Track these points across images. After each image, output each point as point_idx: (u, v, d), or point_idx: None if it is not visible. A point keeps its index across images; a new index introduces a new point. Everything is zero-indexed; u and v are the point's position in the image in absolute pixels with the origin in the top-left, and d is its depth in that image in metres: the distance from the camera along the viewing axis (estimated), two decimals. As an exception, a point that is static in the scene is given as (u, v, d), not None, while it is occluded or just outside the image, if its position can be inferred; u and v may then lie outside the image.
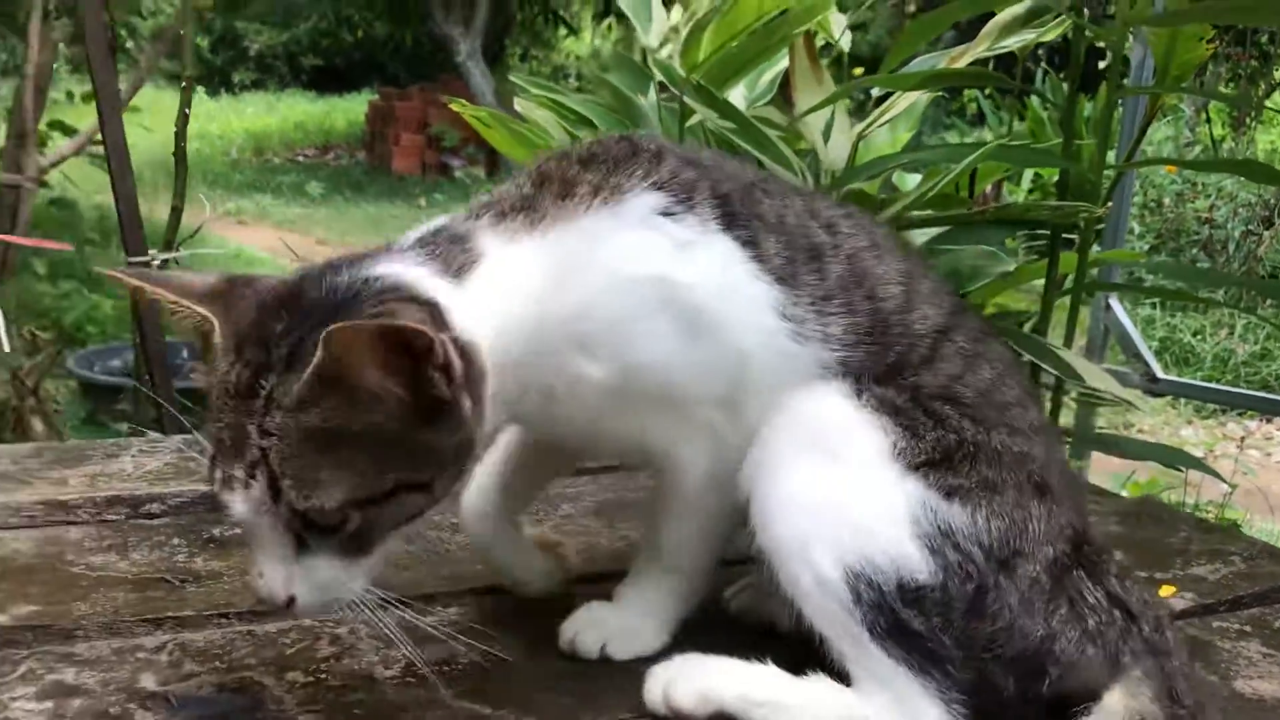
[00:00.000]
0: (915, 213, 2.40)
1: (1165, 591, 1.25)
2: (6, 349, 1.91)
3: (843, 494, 0.93)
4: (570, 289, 0.95)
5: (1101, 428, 4.09)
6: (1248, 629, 1.18)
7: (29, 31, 3.25)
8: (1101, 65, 3.76)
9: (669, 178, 0.99)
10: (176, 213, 1.80)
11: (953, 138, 8.45)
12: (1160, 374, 3.17)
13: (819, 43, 2.68)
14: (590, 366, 0.96)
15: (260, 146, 12.85)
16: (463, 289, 0.93)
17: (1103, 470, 3.34)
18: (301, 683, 1.01)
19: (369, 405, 0.82)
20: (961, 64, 2.41)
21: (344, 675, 1.03)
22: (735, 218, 1.00)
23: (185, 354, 3.58)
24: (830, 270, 1.02)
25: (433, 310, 0.88)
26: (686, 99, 2.31)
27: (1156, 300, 5.96)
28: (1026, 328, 2.39)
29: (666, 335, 0.96)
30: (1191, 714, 0.90)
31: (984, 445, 0.96)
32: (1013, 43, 2.38)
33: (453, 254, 0.95)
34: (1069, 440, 2.49)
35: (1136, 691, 0.90)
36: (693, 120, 2.48)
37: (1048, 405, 2.35)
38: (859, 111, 2.72)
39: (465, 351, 0.87)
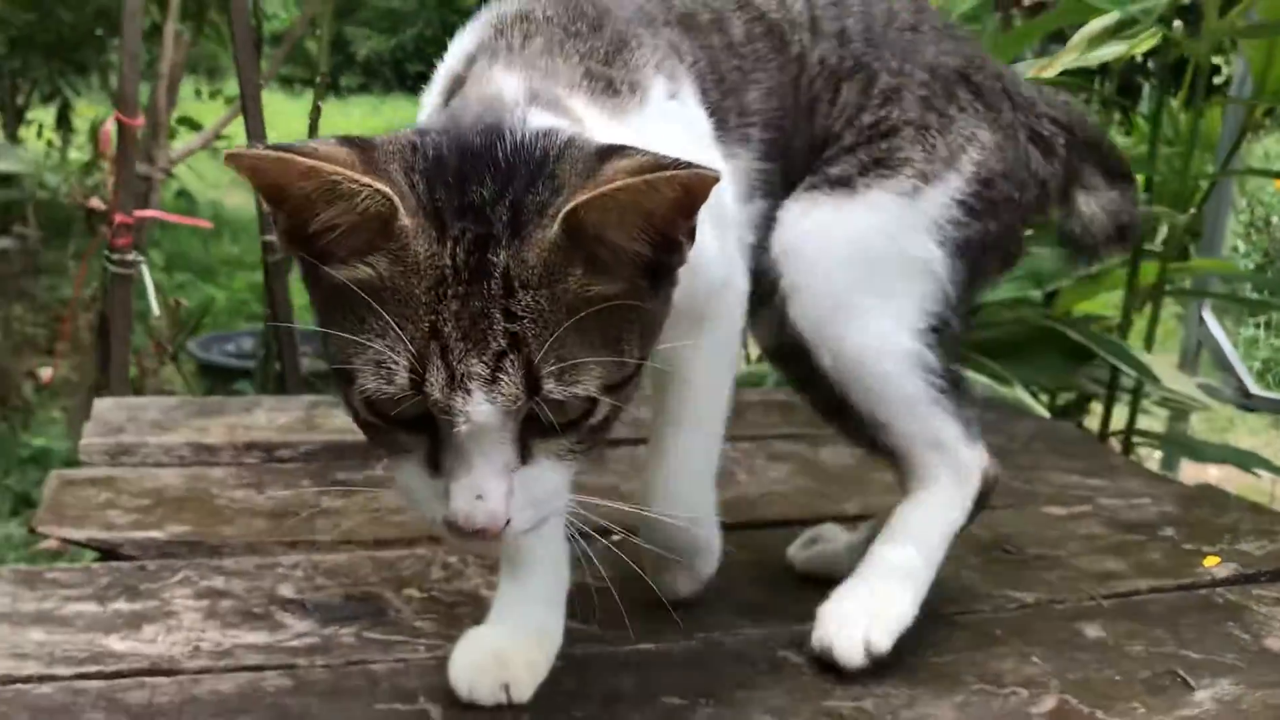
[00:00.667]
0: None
1: (1210, 561, 1.33)
2: (156, 313, 2.09)
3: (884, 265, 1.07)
4: None
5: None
6: (1287, 597, 1.26)
7: (164, 33, 3.47)
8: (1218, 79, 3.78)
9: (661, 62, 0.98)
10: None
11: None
12: (1254, 389, 3.18)
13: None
14: None
15: (366, 148, 13.22)
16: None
17: (1195, 480, 3.35)
18: (417, 597, 1.15)
19: (616, 270, 0.76)
20: (1049, 73, 2.48)
21: (453, 594, 1.16)
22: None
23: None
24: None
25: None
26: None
27: (1262, 320, 5.89)
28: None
29: None
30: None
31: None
32: (1102, 54, 2.44)
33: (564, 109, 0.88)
34: (1152, 442, 2.54)
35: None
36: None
37: (1127, 409, 2.41)
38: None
39: None
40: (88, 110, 7.02)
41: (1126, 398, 2.42)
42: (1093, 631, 1.16)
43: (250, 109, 1.93)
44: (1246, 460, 2.41)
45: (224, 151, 0.72)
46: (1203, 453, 2.43)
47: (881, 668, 1.05)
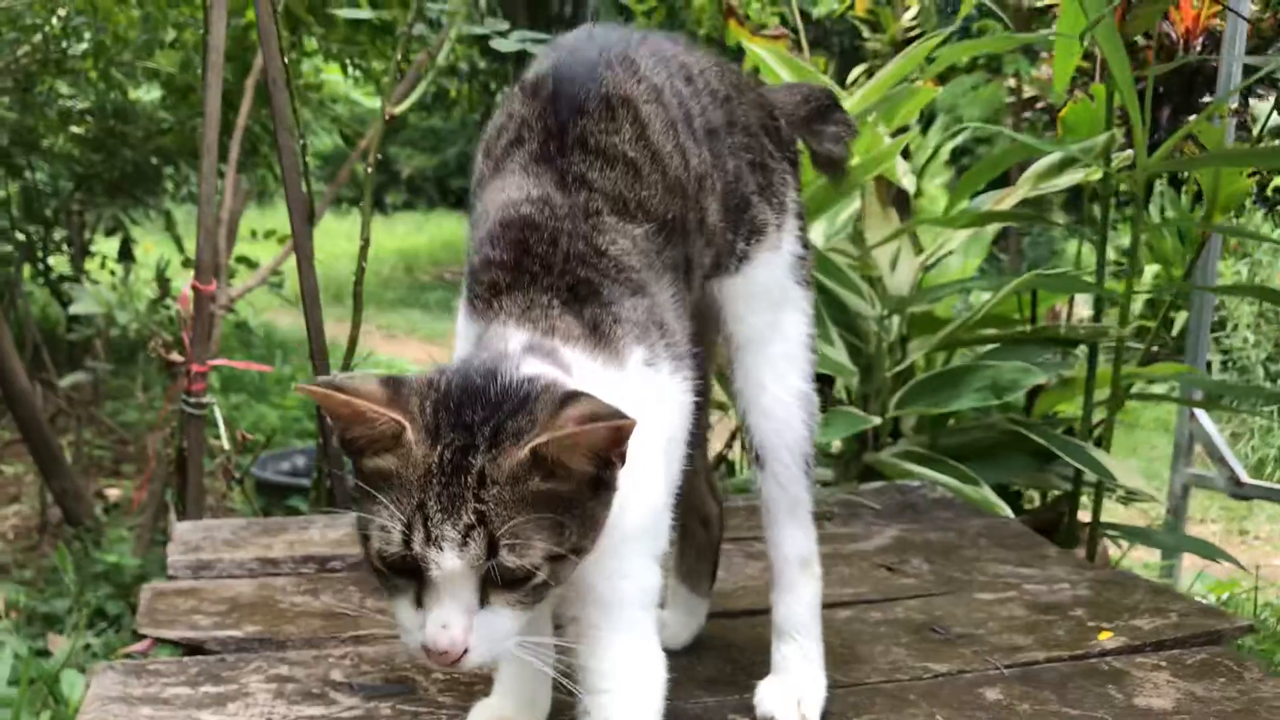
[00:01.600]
0: (980, 331, 2.75)
1: (1104, 635, 1.58)
2: (227, 446, 2.42)
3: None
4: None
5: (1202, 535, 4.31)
6: (1163, 664, 1.51)
7: (226, 179, 3.87)
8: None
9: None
10: (353, 342, 2.26)
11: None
12: (1245, 479, 3.40)
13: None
14: None
15: (410, 264, 13.73)
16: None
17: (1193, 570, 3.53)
18: (441, 679, 1.43)
19: (566, 478, 1.00)
20: (1007, 204, 2.79)
21: (470, 676, 1.44)
22: None
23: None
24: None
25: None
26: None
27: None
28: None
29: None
30: None
31: None
32: (1048, 188, 2.75)
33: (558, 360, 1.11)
34: (1114, 535, 2.77)
35: None
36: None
37: (1091, 504, 2.66)
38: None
39: None
40: (148, 241, 7.52)
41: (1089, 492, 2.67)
42: (992, 695, 1.43)
43: (303, 265, 2.27)
44: (1202, 550, 2.64)
45: (295, 386, 1.08)
46: (1160, 542, 2.66)
47: (811, 726, 1.32)
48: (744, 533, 2.01)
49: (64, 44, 5.64)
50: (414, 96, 2.31)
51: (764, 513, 1.44)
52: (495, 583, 0.99)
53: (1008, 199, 2.79)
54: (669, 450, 1.19)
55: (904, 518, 2.12)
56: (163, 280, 4.55)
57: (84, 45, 5.61)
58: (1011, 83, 4.42)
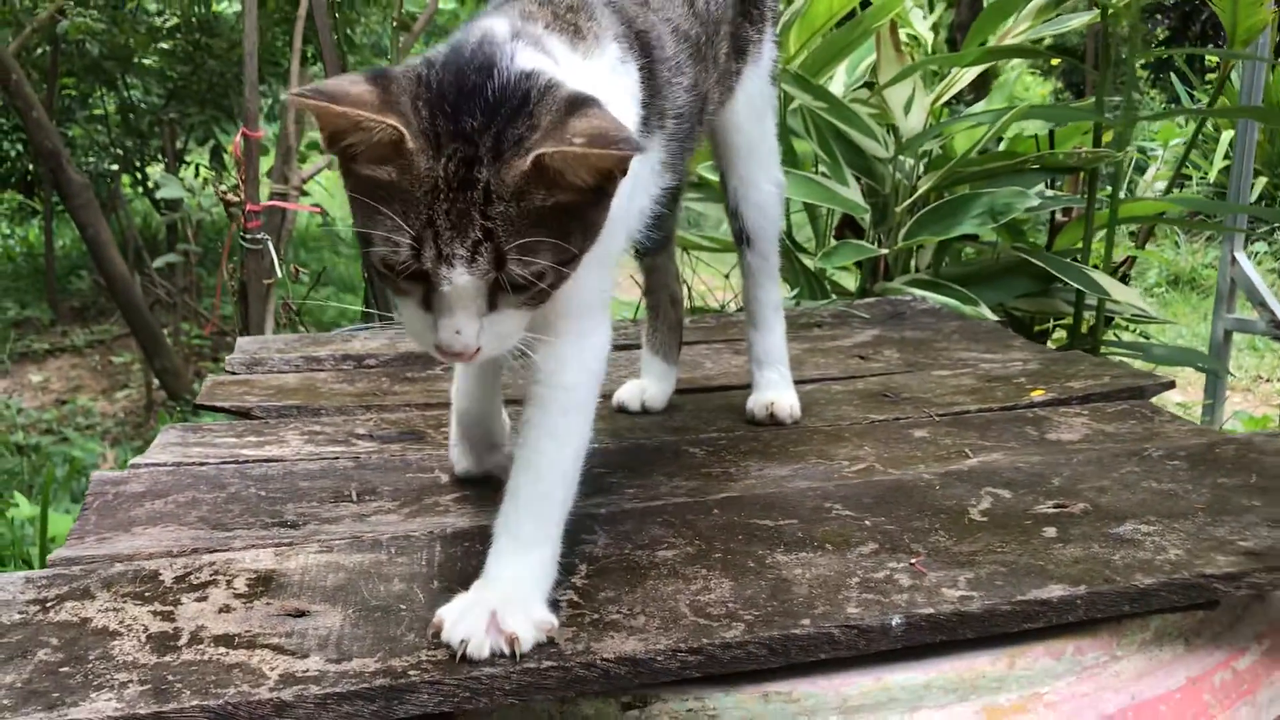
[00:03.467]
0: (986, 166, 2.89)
1: (1035, 393, 1.77)
2: (279, 275, 2.70)
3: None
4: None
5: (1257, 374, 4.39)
6: (1084, 413, 1.70)
7: (290, 74, 4.13)
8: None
9: (616, 29, 1.22)
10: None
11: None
12: (1287, 320, 3.49)
13: (904, 35, 3.23)
14: None
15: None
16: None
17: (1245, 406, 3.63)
18: (445, 430, 1.68)
19: (570, 189, 1.00)
20: (1008, 42, 2.91)
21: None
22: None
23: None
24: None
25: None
26: (786, 87, 2.87)
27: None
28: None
29: (629, 178, 1.10)
30: None
31: None
32: (1052, 28, 2.86)
33: (576, 38, 1.15)
34: (1113, 349, 2.91)
35: None
36: (794, 105, 3.06)
37: (1089, 323, 2.81)
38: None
39: None
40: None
41: (1089, 315, 2.82)
42: (919, 434, 1.63)
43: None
44: (1192, 359, 2.78)
45: (288, 97, 1.13)
46: (1155, 356, 2.81)
47: (750, 453, 1.55)
48: (729, 337, 2.23)
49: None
50: None
51: (746, 277, 1.75)
52: (504, 288, 1.02)
53: (1008, 38, 2.91)
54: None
55: (888, 324, 2.31)
56: (239, 165, 4.87)
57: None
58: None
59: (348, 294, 6.58)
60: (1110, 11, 2.64)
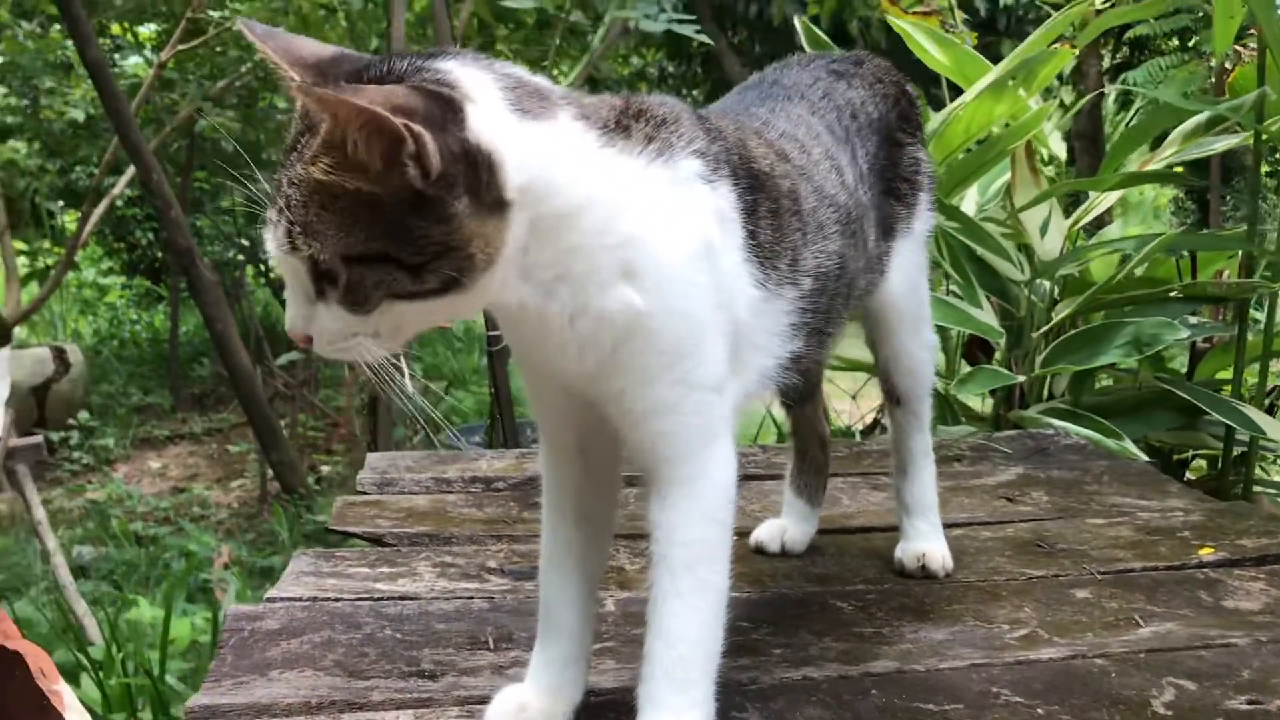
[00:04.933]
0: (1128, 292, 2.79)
1: (1205, 551, 1.66)
2: (410, 391, 2.70)
3: None
4: (621, 216, 1.03)
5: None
6: (1260, 575, 1.58)
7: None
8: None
9: (704, 148, 1.11)
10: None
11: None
12: None
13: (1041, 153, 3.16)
14: (631, 293, 1.03)
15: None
16: (517, 122, 0.99)
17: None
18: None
19: (358, 170, 0.93)
20: (1151, 167, 2.82)
21: (606, 567, 1.64)
22: (747, 192, 1.15)
23: (529, 432, 4.40)
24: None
25: (446, 106, 0.95)
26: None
27: None
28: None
29: (709, 303, 1.07)
30: None
31: None
32: (1199, 150, 2.77)
33: (527, 96, 1.01)
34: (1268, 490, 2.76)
35: None
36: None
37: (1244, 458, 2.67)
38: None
39: (471, 157, 0.95)
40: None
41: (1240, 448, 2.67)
42: (1081, 594, 1.53)
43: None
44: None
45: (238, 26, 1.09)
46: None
47: (902, 611, 1.47)
48: (864, 469, 2.15)
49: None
50: (580, 65, 2.52)
51: (896, 428, 1.65)
52: (323, 276, 0.97)
53: (1151, 161, 2.82)
54: (714, 264, 1.09)
55: (1032, 460, 2.21)
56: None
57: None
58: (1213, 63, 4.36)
59: (460, 389, 6.64)
60: (1265, 137, 2.55)
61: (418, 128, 0.92)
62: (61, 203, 7.62)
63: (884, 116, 1.51)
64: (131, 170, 5.60)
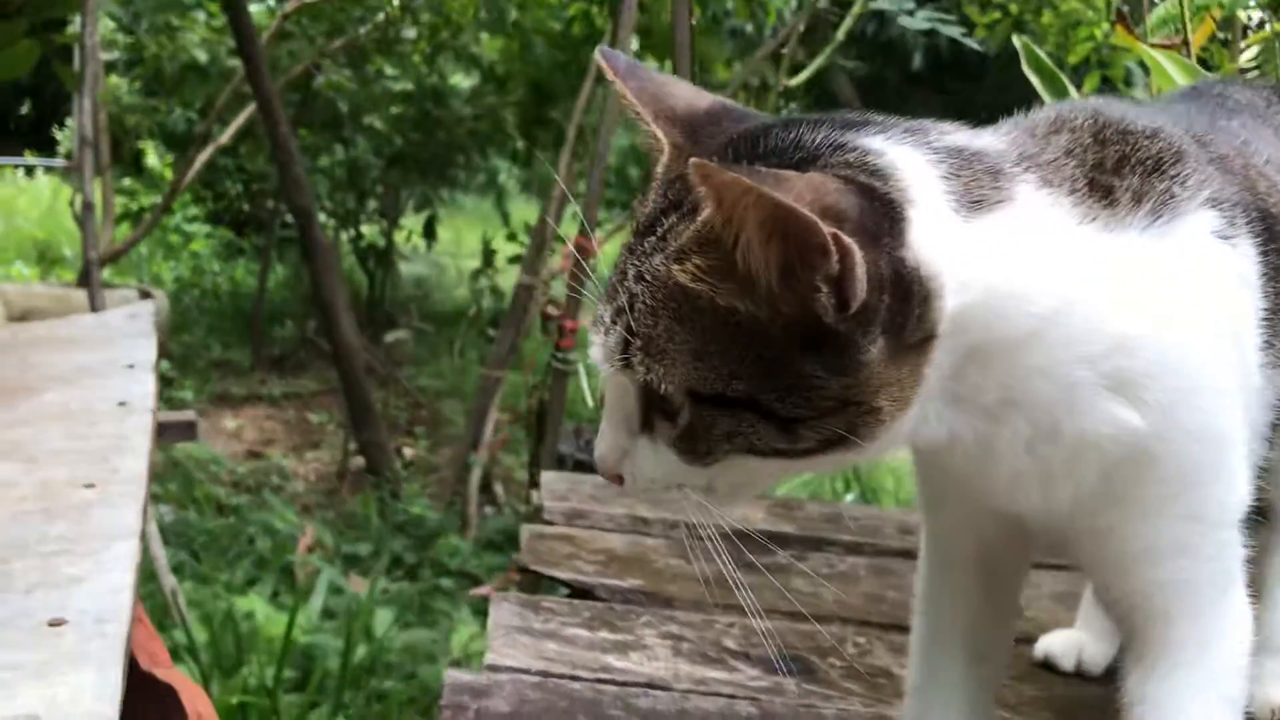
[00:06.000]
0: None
1: None
2: (590, 403, 2.45)
3: None
4: (1109, 316, 0.77)
5: None
6: None
7: (559, 162, 3.96)
8: None
9: (1218, 191, 0.83)
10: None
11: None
12: None
13: None
14: (1126, 411, 0.77)
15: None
16: (962, 223, 0.74)
17: None
18: (838, 665, 1.35)
19: (742, 284, 0.71)
20: None
21: (868, 667, 1.36)
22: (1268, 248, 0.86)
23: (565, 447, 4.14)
24: None
25: (884, 212, 0.71)
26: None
27: None
28: None
29: (1235, 409, 0.81)
30: None
31: None
32: None
33: (976, 179, 0.76)
34: None
35: None
36: None
37: None
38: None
39: (904, 285, 0.71)
40: (449, 219, 7.86)
41: None
42: None
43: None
44: None
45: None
46: None
47: None
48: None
49: (399, 27, 5.97)
50: (810, 71, 2.27)
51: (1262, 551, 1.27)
52: (656, 406, 0.77)
53: None
54: (1241, 356, 0.82)
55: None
56: (488, 252, 4.72)
57: (415, 29, 5.92)
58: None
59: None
60: None
61: (848, 241, 0.67)
62: (155, 144, 7.45)
63: None
64: (242, 117, 5.42)
